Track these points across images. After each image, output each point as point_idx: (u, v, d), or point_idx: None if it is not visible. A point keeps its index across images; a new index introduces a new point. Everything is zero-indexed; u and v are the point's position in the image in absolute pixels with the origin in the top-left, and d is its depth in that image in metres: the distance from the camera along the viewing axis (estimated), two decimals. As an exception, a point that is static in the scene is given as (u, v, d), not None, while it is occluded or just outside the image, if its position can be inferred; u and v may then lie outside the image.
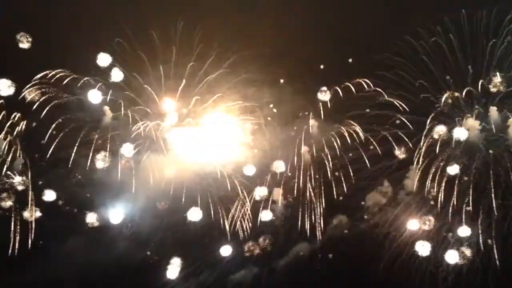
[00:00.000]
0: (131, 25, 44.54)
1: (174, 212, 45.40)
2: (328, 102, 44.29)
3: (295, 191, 44.49)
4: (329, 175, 43.73)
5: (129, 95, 45.53)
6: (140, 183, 45.33)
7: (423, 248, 41.86)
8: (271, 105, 45.74)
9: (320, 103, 44.41)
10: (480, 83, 41.64)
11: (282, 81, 45.56)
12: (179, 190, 45.48)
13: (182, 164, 45.88)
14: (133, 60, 45.24)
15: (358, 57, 43.38)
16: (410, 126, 42.89)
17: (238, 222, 44.72)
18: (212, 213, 44.83)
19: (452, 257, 41.43)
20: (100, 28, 44.12)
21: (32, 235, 42.89)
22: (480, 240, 41.02)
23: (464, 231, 41.42)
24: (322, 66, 44.39)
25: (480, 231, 41.18)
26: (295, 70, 44.59)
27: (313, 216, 44.07)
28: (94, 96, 44.63)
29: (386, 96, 42.99)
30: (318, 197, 44.06)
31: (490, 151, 41.39)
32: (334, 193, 44.00)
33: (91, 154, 44.25)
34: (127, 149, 44.53)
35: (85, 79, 44.35)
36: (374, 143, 43.43)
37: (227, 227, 44.75)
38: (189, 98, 46.22)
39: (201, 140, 46.14)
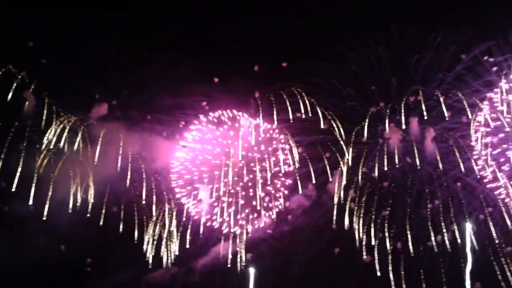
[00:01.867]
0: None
1: (95, 210, 44.40)
2: (260, 104, 45.28)
3: (221, 190, 44.79)
4: (257, 175, 44.44)
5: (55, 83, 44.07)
6: (62, 177, 43.92)
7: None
8: (204, 103, 45.94)
9: (253, 105, 45.40)
10: (404, 95, 44.20)
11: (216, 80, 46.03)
12: (102, 187, 44.74)
13: (107, 160, 44.84)
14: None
15: (292, 62, 44.44)
16: (337, 134, 44.67)
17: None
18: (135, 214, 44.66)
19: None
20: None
21: None
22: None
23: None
24: (256, 68, 45.06)
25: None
26: (230, 69, 45.07)
27: (238, 216, 44.72)
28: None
29: (315, 103, 44.45)
30: (245, 197, 44.78)
31: (408, 160, 43.89)
32: (259, 194, 44.71)
33: (6, 143, 42.39)
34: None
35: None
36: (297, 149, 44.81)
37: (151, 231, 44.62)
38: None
39: (130, 136, 45.44)
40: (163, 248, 44.84)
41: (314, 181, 44.63)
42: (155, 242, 44.79)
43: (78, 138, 44.24)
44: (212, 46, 44.88)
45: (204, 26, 46.39)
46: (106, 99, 45.38)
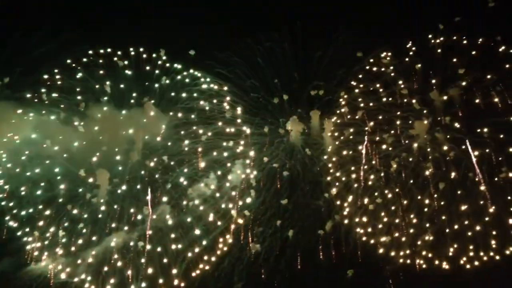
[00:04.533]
0: None
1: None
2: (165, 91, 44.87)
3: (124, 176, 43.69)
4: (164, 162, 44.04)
5: None
6: None
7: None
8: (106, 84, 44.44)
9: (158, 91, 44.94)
10: (306, 90, 45.97)
11: (121, 64, 44.70)
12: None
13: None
14: None
15: (199, 51, 44.56)
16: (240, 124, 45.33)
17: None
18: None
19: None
20: None
21: None
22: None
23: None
24: (164, 55, 44.53)
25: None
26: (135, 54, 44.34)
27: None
28: None
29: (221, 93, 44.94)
30: (146, 183, 44.03)
31: (308, 152, 45.69)
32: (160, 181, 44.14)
33: None
34: None
35: None
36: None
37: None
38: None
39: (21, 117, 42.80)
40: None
41: (217, 171, 44.97)
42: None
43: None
44: (113, 28, 43.53)
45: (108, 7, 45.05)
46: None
